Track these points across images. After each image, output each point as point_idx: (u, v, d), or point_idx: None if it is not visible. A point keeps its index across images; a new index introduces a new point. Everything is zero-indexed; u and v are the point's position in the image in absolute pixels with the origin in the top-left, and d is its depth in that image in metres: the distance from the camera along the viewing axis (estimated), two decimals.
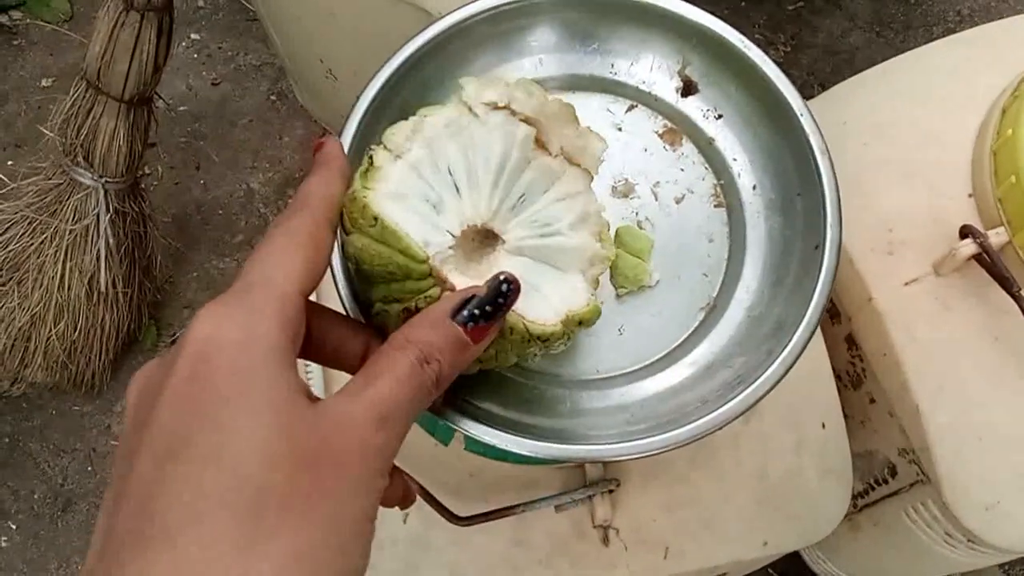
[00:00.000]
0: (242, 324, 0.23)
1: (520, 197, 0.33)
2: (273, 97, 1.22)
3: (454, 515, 0.46)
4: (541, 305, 0.32)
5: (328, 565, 0.22)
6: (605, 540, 0.51)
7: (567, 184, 0.34)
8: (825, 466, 0.54)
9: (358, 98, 0.40)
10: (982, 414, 0.53)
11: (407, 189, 0.31)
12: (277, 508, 0.21)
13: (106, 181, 0.87)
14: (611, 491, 0.49)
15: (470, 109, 0.33)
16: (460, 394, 0.36)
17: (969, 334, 0.54)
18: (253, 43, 1.26)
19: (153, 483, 0.21)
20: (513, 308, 0.31)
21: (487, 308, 0.27)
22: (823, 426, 0.55)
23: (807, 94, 1.23)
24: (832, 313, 0.63)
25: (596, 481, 0.48)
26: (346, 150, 0.39)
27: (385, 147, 0.31)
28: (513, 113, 0.33)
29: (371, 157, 0.31)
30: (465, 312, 0.27)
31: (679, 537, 0.51)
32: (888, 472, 0.63)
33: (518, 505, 0.48)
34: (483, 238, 0.33)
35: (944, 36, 1.28)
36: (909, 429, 0.56)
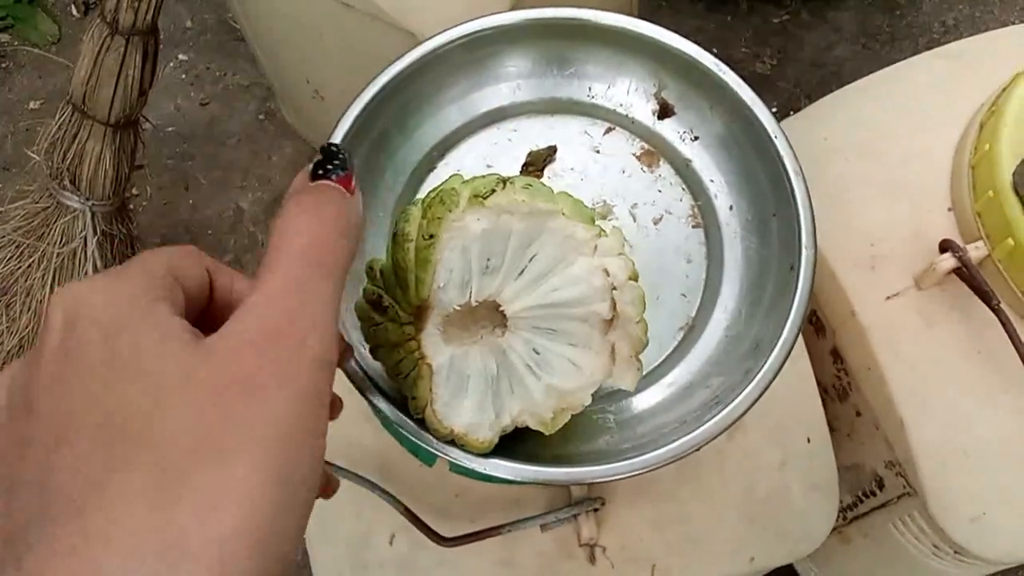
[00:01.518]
0: (102, 287, 0.22)
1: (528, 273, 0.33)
2: (261, 117, 1.23)
3: (440, 536, 0.47)
4: (573, 374, 0.34)
5: (259, 498, 0.19)
6: (592, 558, 0.51)
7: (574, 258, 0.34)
8: (811, 481, 0.54)
9: (336, 124, 0.40)
10: (966, 427, 0.54)
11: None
12: (184, 457, 0.19)
13: (93, 204, 0.87)
14: (596, 510, 0.49)
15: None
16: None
17: (952, 348, 0.54)
18: (241, 63, 1.26)
19: (49, 467, 0.19)
20: (551, 382, 0.33)
21: (335, 162, 0.26)
22: (808, 441, 0.55)
23: (794, 107, 1.24)
24: (817, 327, 0.63)
25: (581, 500, 0.48)
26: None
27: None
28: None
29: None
30: (320, 171, 0.25)
31: (666, 554, 0.51)
32: (876, 484, 0.63)
33: (504, 525, 0.48)
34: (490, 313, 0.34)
35: (930, 47, 1.29)
36: (894, 442, 0.56)
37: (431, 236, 0.31)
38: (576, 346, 0.33)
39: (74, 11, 1.31)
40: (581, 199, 0.34)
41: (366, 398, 0.36)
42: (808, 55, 1.25)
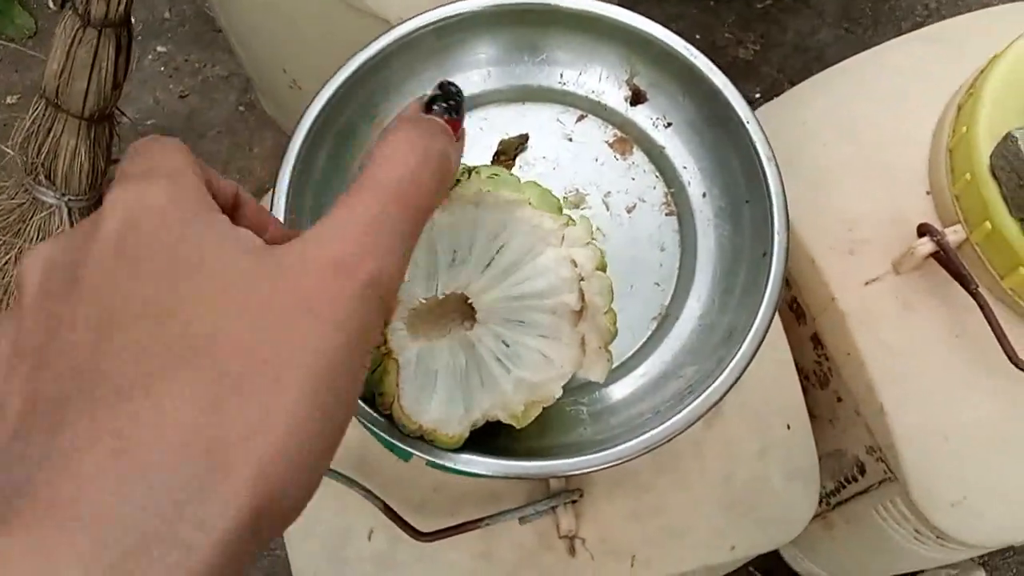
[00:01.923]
0: (164, 188, 0.21)
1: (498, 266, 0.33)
2: (242, 108, 1.21)
3: (418, 531, 0.46)
4: (543, 366, 0.33)
5: (303, 426, 0.19)
6: (571, 550, 0.50)
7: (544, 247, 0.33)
8: (791, 468, 0.54)
9: (301, 116, 0.39)
10: (947, 412, 0.53)
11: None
12: (241, 370, 0.19)
13: (69, 199, 0.86)
14: (574, 502, 0.48)
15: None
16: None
17: (931, 333, 0.54)
18: (220, 54, 1.25)
19: (94, 349, 0.19)
20: (521, 374, 0.32)
21: (451, 102, 0.26)
22: (788, 428, 0.55)
23: (778, 92, 1.23)
24: (797, 313, 0.63)
25: (559, 492, 0.48)
26: (291, 167, 0.39)
27: None
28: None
29: None
30: (435, 107, 0.25)
31: (645, 545, 0.51)
32: (857, 470, 0.63)
33: (482, 519, 0.47)
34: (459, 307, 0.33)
35: (913, 30, 1.29)
36: (875, 428, 0.56)
37: None
38: (546, 337, 0.32)
39: (51, 4, 1.29)
40: (548, 188, 0.33)
41: None
42: (791, 40, 1.24)
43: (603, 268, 0.33)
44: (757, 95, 1.19)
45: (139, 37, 1.26)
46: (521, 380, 0.33)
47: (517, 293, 0.32)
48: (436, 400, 0.33)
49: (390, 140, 0.23)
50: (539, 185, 0.33)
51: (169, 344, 0.19)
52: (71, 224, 0.87)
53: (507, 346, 0.33)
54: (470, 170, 0.31)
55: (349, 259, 0.21)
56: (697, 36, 1.22)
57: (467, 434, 0.34)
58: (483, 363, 0.33)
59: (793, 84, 1.22)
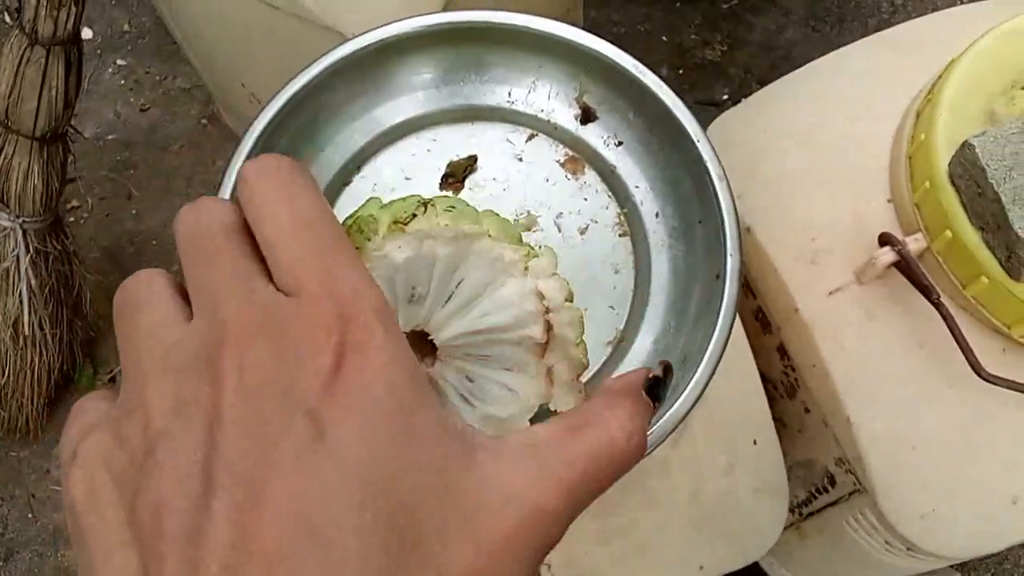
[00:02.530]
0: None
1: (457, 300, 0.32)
2: (204, 121, 1.19)
3: None
4: (509, 401, 0.32)
5: None
6: None
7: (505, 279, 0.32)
8: (759, 483, 0.53)
9: (237, 146, 0.38)
10: (913, 423, 0.53)
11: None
12: None
13: (24, 221, 0.84)
14: None
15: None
16: None
17: (896, 343, 0.53)
18: (182, 66, 1.23)
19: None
20: (487, 410, 0.31)
21: (663, 390, 0.26)
22: (755, 443, 0.54)
23: (746, 93, 1.23)
24: (763, 323, 0.62)
25: None
26: (230, 192, 0.38)
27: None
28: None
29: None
30: (656, 390, 0.26)
31: (613, 567, 0.50)
32: (827, 481, 0.62)
33: None
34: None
35: (879, 27, 1.29)
36: (842, 439, 0.56)
37: None
38: (511, 371, 0.31)
39: (7, 19, 1.26)
40: (508, 219, 0.32)
41: None
42: (758, 39, 1.24)
43: (571, 299, 0.31)
44: (725, 96, 1.18)
45: (98, 51, 1.24)
46: (488, 416, 0.32)
47: (479, 327, 0.31)
48: None
49: (620, 409, 0.23)
50: (498, 215, 0.31)
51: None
52: (26, 248, 0.85)
53: (471, 382, 0.32)
54: (426, 203, 0.30)
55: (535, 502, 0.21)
56: (663, 38, 1.21)
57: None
58: (446, 401, 0.32)
59: (762, 84, 1.22)
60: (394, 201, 0.31)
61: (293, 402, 0.19)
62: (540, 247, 0.31)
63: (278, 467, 0.18)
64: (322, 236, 0.22)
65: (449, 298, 0.30)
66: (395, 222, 0.28)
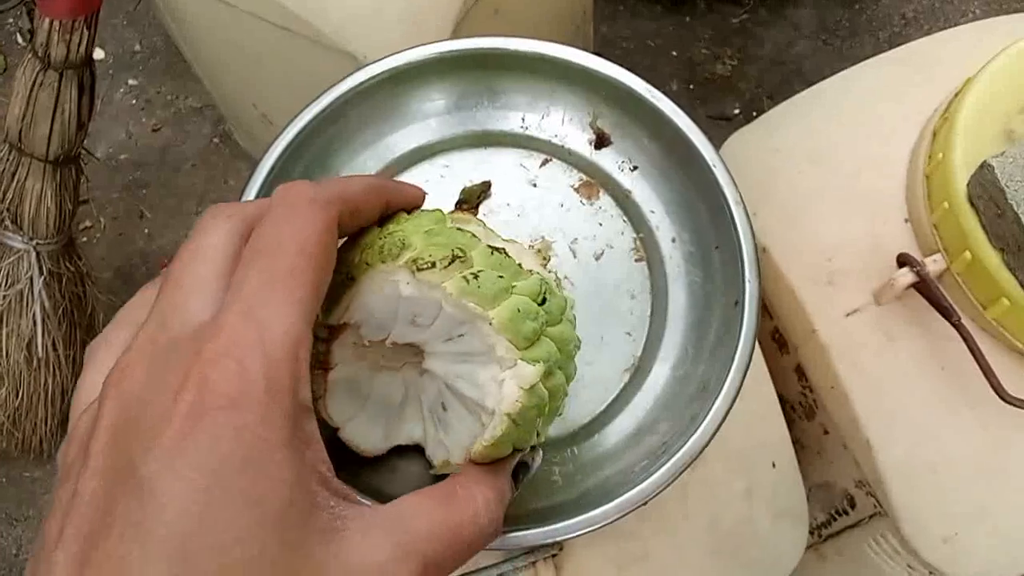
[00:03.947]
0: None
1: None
2: (216, 140, 1.20)
3: None
4: (465, 443, 0.31)
5: None
6: None
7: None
8: (778, 508, 0.53)
9: (252, 173, 0.38)
10: (934, 446, 0.52)
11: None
12: None
13: (37, 243, 0.85)
14: (554, 555, 0.47)
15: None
16: (367, 478, 0.34)
17: (915, 364, 0.52)
18: (193, 85, 1.23)
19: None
20: (445, 440, 0.32)
21: (524, 473, 0.29)
22: (773, 466, 0.53)
23: (756, 107, 1.22)
24: (780, 343, 0.62)
25: (538, 547, 0.46)
26: None
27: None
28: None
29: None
30: (519, 474, 0.29)
31: None
32: (847, 503, 0.61)
33: None
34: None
35: (891, 40, 1.28)
36: (862, 462, 0.55)
37: (352, 278, 0.29)
38: (475, 422, 0.31)
39: (20, 40, 1.28)
40: (532, 305, 0.29)
41: None
42: (768, 53, 1.24)
43: (515, 418, 0.30)
44: (736, 110, 1.18)
45: (110, 71, 1.24)
46: (442, 444, 0.32)
47: (456, 384, 0.30)
48: (357, 420, 0.32)
49: (487, 487, 0.26)
50: (523, 301, 0.29)
51: None
52: (40, 270, 0.85)
53: (444, 409, 0.32)
54: (457, 258, 0.28)
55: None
56: (674, 53, 1.21)
57: (384, 451, 0.33)
58: (419, 409, 0.32)
59: (772, 99, 1.22)
60: (437, 230, 0.30)
61: (145, 447, 0.19)
62: (538, 366, 0.29)
63: (110, 528, 0.18)
64: (277, 266, 0.22)
65: (450, 339, 0.30)
66: (413, 261, 0.28)
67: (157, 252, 1.13)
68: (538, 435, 0.30)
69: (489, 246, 0.29)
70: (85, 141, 0.84)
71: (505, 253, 0.29)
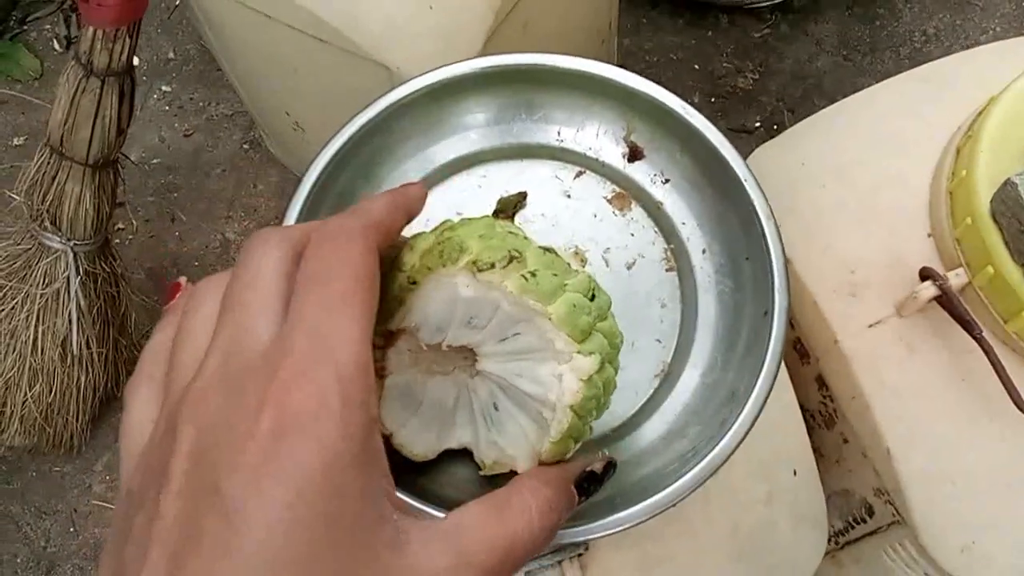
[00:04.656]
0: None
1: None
2: (246, 146, 1.22)
3: None
4: (520, 443, 0.33)
5: None
6: None
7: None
8: (798, 514, 0.54)
9: (298, 185, 0.40)
10: (953, 456, 0.53)
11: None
12: None
13: (75, 244, 0.87)
14: (580, 555, 0.48)
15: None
16: (416, 481, 0.36)
17: (936, 376, 0.53)
18: (224, 92, 1.26)
19: None
20: (498, 440, 0.33)
21: (597, 486, 0.30)
22: (795, 473, 0.55)
23: (777, 121, 1.24)
24: (801, 353, 0.63)
25: (565, 546, 0.48)
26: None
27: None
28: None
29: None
30: (585, 484, 0.29)
31: None
32: (866, 511, 0.62)
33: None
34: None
35: (911, 57, 1.29)
36: (882, 471, 0.56)
37: (414, 282, 0.30)
38: (534, 421, 0.32)
39: (56, 46, 1.31)
40: (585, 300, 0.31)
41: None
42: (789, 68, 1.25)
43: (578, 410, 0.32)
44: (757, 124, 1.19)
45: (144, 77, 1.27)
46: (493, 443, 0.33)
47: (512, 382, 0.32)
48: (411, 425, 0.33)
49: (542, 497, 0.26)
50: (577, 298, 0.31)
51: None
52: (76, 270, 0.87)
53: (496, 409, 0.33)
54: (514, 258, 0.30)
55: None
56: (696, 66, 1.22)
57: (433, 456, 0.34)
58: (471, 411, 0.33)
59: (793, 113, 1.23)
60: (492, 235, 0.31)
61: (229, 468, 0.20)
62: (594, 358, 0.31)
63: (197, 547, 0.19)
64: (332, 291, 0.23)
65: (505, 339, 0.31)
66: (474, 263, 0.29)
67: (187, 254, 1.16)
68: (591, 430, 0.32)
69: (540, 247, 0.31)
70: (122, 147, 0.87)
71: (556, 253, 0.31)
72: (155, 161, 1.21)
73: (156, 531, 0.20)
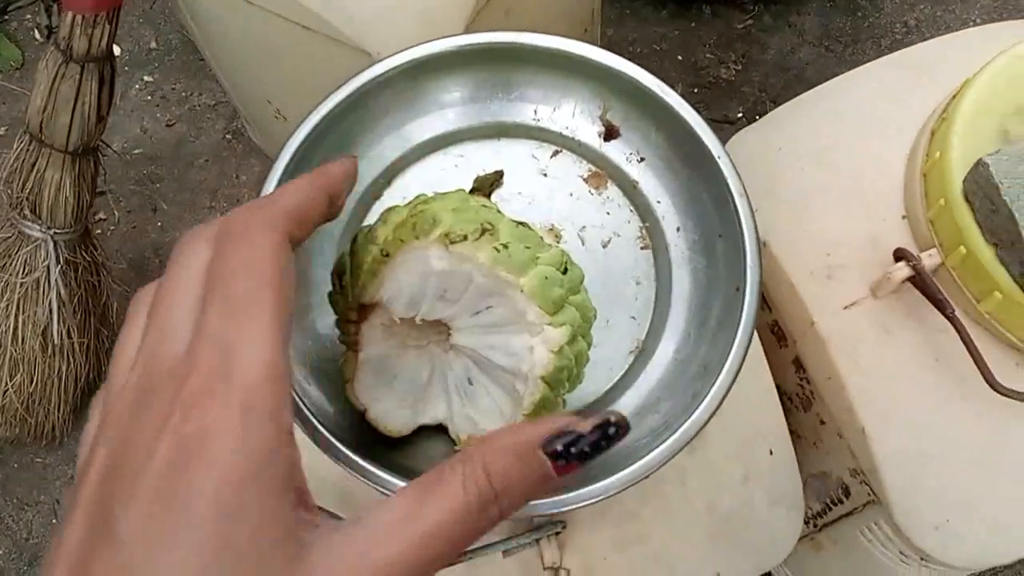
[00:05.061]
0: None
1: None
2: (229, 136, 1.22)
3: None
4: (494, 417, 0.33)
5: None
6: None
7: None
8: (775, 494, 0.54)
9: (275, 159, 0.40)
10: (927, 435, 0.54)
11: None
12: None
13: (55, 233, 0.86)
14: (558, 533, 0.49)
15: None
16: (393, 458, 0.36)
17: (911, 356, 0.54)
18: (207, 83, 1.25)
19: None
20: (472, 415, 0.33)
21: (586, 449, 0.23)
22: (771, 453, 0.55)
23: (760, 111, 1.24)
24: (779, 336, 0.64)
25: (542, 524, 0.48)
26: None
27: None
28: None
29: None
30: (560, 447, 0.22)
31: (630, 574, 0.51)
32: (842, 492, 0.63)
33: (465, 552, 0.47)
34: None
35: (892, 48, 1.30)
36: (857, 451, 0.56)
37: (387, 255, 0.31)
38: (507, 395, 0.33)
39: (37, 36, 1.30)
40: (557, 273, 0.32)
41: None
42: (772, 59, 1.26)
43: (548, 380, 0.32)
44: (740, 114, 1.20)
45: (126, 67, 1.26)
46: (469, 418, 0.34)
47: (486, 355, 0.32)
48: (386, 399, 0.34)
49: (476, 457, 0.22)
50: (550, 271, 0.31)
51: None
52: (57, 258, 0.87)
53: (470, 384, 0.33)
54: (486, 231, 0.30)
55: None
56: (679, 57, 1.23)
57: (408, 431, 0.35)
58: (445, 385, 0.34)
59: (775, 103, 1.24)
60: (463, 208, 0.31)
61: (126, 497, 0.19)
62: (564, 328, 0.31)
63: (91, 569, 0.19)
64: (233, 295, 0.22)
65: (478, 313, 0.32)
66: (445, 235, 0.30)
67: (169, 245, 1.15)
68: (564, 403, 0.32)
69: (513, 220, 0.31)
70: (103, 135, 0.86)
71: (528, 226, 0.31)
72: (137, 151, 1.21)
73: (60, 557, 0.19)
